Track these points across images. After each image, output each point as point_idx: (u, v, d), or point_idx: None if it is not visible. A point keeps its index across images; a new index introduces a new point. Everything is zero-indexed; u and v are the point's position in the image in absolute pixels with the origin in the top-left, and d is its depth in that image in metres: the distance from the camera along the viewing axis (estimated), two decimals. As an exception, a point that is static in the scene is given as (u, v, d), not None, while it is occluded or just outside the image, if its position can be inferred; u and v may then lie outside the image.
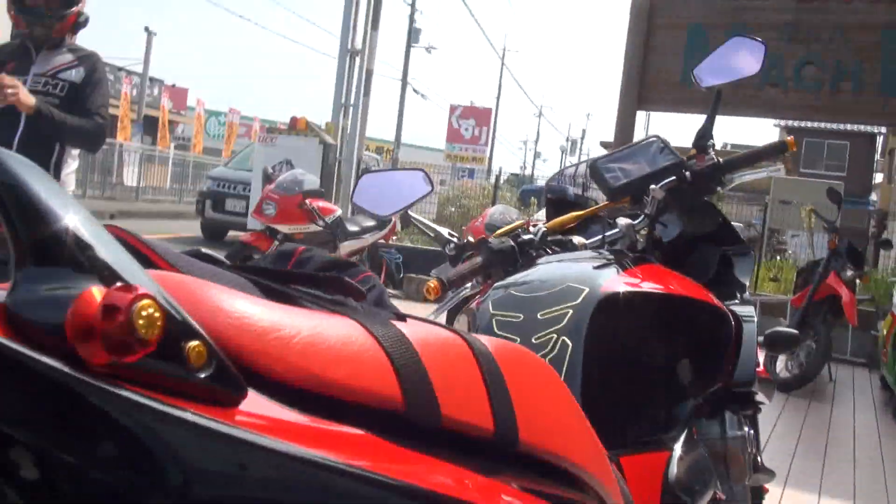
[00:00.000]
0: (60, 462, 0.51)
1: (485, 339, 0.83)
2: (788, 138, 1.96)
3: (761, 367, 1.90)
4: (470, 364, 0.79)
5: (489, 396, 0.77)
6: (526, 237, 1.86)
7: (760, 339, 2.06)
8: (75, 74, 3.74)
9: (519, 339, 1.37)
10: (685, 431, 1.57)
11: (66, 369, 0.50)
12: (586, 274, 1.55)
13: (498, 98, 47.83)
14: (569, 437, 0.91)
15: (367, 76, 10.94)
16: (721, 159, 1.94)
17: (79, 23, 3.79)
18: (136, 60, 27.51)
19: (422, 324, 0.79)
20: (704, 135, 1.98)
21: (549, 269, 1.63)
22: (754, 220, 15.83)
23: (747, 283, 2.02)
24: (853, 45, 7.82)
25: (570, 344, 1.38)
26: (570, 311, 1.42)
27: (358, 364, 0.67)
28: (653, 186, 1.84)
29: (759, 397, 1.91)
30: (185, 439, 0.54)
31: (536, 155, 64.85)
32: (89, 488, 0.52)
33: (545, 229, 1.90)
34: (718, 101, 2.02)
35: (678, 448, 1.52)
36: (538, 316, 1.43)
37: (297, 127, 10.70)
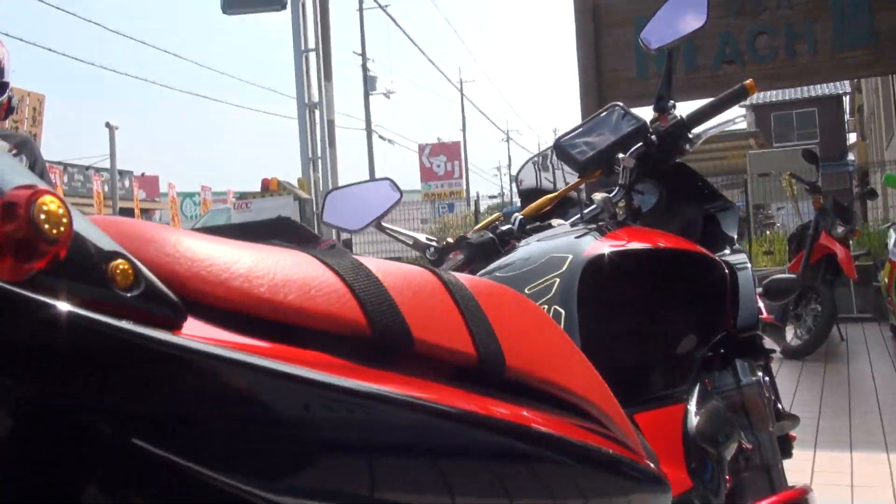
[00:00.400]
0: None
1: (458, 276, 0.78)
2: (748, 81, 1.93)
3: (765, 314, 1.87)
4: (440, 292, 0.74)
5: (466, 321, 0.72)
6: (504, 228, 1.83)
7: (759, 290, 2.03)
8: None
9: None
10: (698, 385, 1.54)
11: None
12: (568, 243, 1.52)
13: (464, 130, 47.96)
14: (562, 364, 0.86)
15: (330, 127, 10.97)
16: (684, 116, 1.92)
17: (11, 107, 3.58)
18: (102, 157, 27.56)
19: (383, 260, 0.73)
20: (663, 96, 1.96)
21: (530, 248, 1.60)
22: (738, 202, 15.86)
23: (735, 237, 1.99)
24: (801, 7, 7.86)
25: (563, 311, 1.34)
26: (557, 281, 1.39)
27: (310, 287, 0.62)
28: (621, 156, 1.81)
29: (769, 344, 1.88)
30: (122, 351, 0.49)
31: (511, 179, 65.06)
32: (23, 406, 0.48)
33: (521, 217, 1.87)
34: (671, 62, 1.99)
35: (693, 400, 1.48)
36: (526, 291, 1.40)
37: (269, 188, 10.67)
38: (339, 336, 0.62)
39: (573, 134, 1.95)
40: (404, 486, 0.63)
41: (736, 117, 2.02)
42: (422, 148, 35.18)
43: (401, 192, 1.91)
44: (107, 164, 26.91)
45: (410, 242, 1.95)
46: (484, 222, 1.91)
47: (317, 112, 10.89)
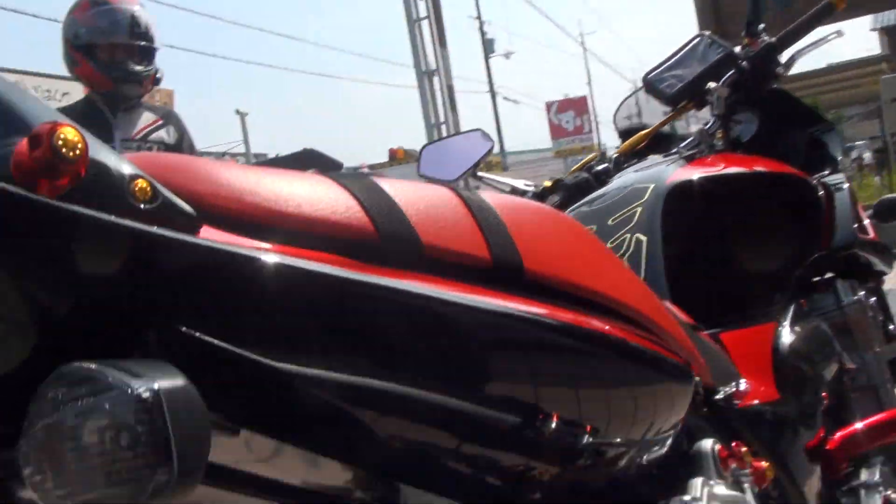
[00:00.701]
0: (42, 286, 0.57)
1: (483, 194, 0.82)
2: (834, -7, 1.88)
3: (871, 234, 1.84)
4: (455, 203, 0.78)
5: (480, 228, 0.76)
6: (600, 167, 1.86)
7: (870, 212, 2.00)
8: (167, 135, 3.45)
9: None
10: (793, 304, 1.54)
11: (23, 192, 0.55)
12: (652, 173, 1.54)
13: (589, 84, 47.23)
14: (593, 270, 0.89)
15: (450, 92, 11.05)
16: (774, 38, 1.89)
17: (157, 79, 3.47)
18: (235, 142, 28.53)
19: (400, 180, 0.78)
20: (752, 21, 1.93)
21: (620, 181, 1.63)
22: (879, 133, 15.17)
23: (839, 157, 1.96)
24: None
25: (644, 238, 1.37)
26: (640, 209, 1.42)
27: (320, 199, 0.69)
28: (713, 85, 1.80)
29: (879, 266, 1.84)
30: (143, 250, 0.59)
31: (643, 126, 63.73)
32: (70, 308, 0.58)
33: (617, 155, 1.89)
34: None
35: (786, 319, 1.49)
36: (609, 222, 1.43)
37: (396, 157, 10.86)
38: (347, 240, 0.68)
39: (662, 68, 1.94)
40: (407, 373, 0.69)
41: (829, 35, 1.98)
42: (549, 106, 34.93)
43: (492, 141, 1.96)
44: (241, 150, 27.84)
45: (508, 189, 1.99)
46: (580, 163, 1.94)
47: (435, 79, 10.99)
